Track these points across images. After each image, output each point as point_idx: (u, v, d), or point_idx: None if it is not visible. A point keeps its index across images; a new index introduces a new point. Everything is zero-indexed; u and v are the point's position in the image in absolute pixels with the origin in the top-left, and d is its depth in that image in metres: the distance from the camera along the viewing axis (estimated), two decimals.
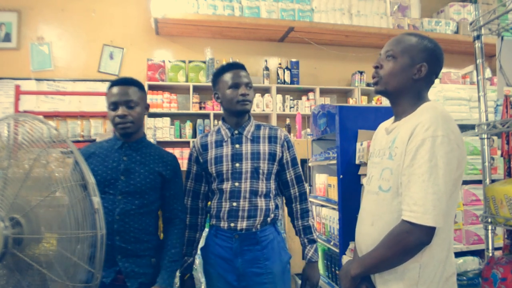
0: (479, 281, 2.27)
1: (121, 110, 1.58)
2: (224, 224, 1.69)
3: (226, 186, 1.69)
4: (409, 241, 1.13)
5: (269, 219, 1.71)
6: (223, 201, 1.70)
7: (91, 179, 1.29)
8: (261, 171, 1.70)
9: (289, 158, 1.78)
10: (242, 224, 1.66)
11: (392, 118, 1.38)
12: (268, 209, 1.71)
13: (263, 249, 1.67)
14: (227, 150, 1.72)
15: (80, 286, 1.25)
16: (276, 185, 1.80)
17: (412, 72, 1.25)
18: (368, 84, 4.76)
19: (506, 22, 1.88)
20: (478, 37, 1.88)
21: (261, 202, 1.69)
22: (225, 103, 1.73)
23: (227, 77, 1.71)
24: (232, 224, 1.67)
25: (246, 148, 1.72)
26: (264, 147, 1.73)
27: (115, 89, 1.60)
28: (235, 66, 1.75)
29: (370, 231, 1.26)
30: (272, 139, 1.75)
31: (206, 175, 1.78)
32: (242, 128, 1.75)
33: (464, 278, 2.33)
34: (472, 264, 2.39)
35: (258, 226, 1.68)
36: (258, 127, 1.78)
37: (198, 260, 3.09)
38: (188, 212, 1.76)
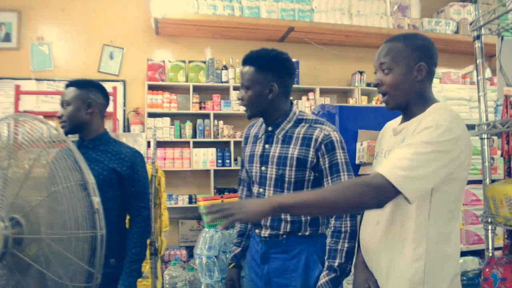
0: (479, 281, 2.27)
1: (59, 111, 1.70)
2: (254, 228, 1.60)
3: (254, 190, 1.57)
4: (372, 192, 1.07)
5: (300, 233, 1.49)
6: None
7: (91, 179, 1.29)
8: (286, 179, 1.46)
9: (327, 164, 1.45)
10: (265, 233, 1.53)
11: (399, 118, 1.37)
12: (298, 221, 1.47)
13: (291, 259, 1.49)
14: (258, 149, 1.56)
15: (80, 286, 1.25)
16: None
17: (413, 75, 1.23)
18: (368, 84, 4.75)
19: (506, 22, 1.88)
20: (478, 37, 1.88)
21: (285, 214, 1.46)
22: None
23: None
24: (257, 231, 1.56)
25: (274, 150, 1.50)
26: (293, 151, 1.46)
27: None
28: (243, 61, 1.53)
29: (376, 229, 1.26)
30: (306, 141, 1.46)
31: None
32: (276, 126, 1.52)
33: (464, 278, 2.33)
34: (472, 264, 2.39)
35: (285, 236, 1.49)
36: (297, 123, 1.51)
37: (197, 260, 3.09)
38: None
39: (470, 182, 2.51)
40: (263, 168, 1.52)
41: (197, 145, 4.29)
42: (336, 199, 1.09)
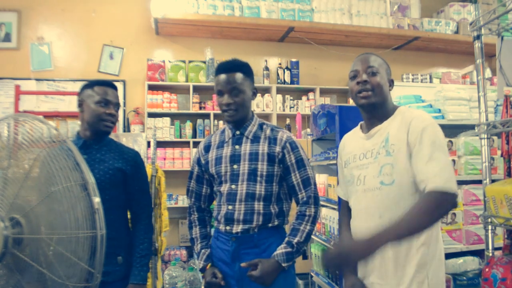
0: (479, 281, 2.27)
1: (111, 109, 1.69)
2: (222, 227, 1.64)
3: (224, 188, 1.64)
4: (445, 206, 1.25)
5: (270, 224, 1.61)
6: (221, 204, 1.66)
7: (91, 179, 1.29)
8: (259, 173, 1.60)
9: (293, 160, 1.63)
10: (237, 228, 1.60)
11: (357, 129, 1.56)
12: (268, 213, 1.61)
13: (262, 252, 1.59)
14: (226, 151, 1.67)
15: (80, 286, 1.25)
16: (283, 189, 1.67)
17: (388, 84, 1.46)
18: None
19: (506, 22, 1.88)
20: (478, 37, 1.88)
21: (258, 206, 1.60)
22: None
23: (216, 81, 1.64)
24: (228, 227, 1.62)
25: (245, 148, 1.64)
26: (263, 147, 1.63)
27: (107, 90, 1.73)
28: (224, 69, 1.63)
29: (379, 223, 1.32)
30: (272, 140, 1.64)
31: (209, 177, 1.74)
32: (244, 129, 1.67)
33: (464, 278, 2.34)
34: (472, 264, 2.39)
35: (256, 229, 1.60)
36: (260, 126, 1.69)
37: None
38: (195, 210, 1.77)
39: (470, 182, 2.51)
40: (235, 166, 1.63)
41: (197, 145, 4.27)
42: (421, 224, 1.24)
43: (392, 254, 1.33)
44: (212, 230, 1.78)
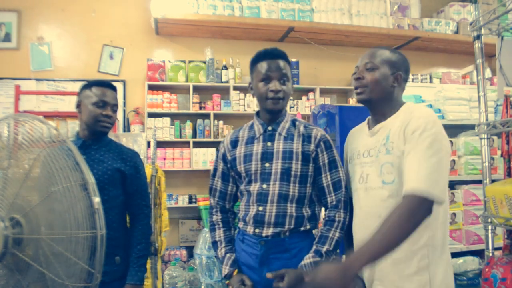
0: (479, 281, 2.27)
1: (108, 110, 1.68)
2: (250, 229, 1.52)
3: (254, 188, 1.52)
4: (419, 215, 1.18)
5: (302, 228, 1.51)
6: (250, 204, 1.53)
7: (91, 179, 1.29)
8: (292, 172, 1.50)
9: (326, 160, 1.53)
10: (267, 231, 1.49)
11: (364, 124, 1.53)
12: (301, 216, 1.51)
13: (293, 257, 1.48)
14: (257, 147, 1.55)
15: (80, 286, 1.25)
16: (316, 191, 1.57)
17: (391, 80, 1.40)
18: None
19: (506, 22, 1.88)
20: (478, 37, 1.88)
21: (291, 208, 1.49)
22: (257, 97, 1.56)
23: (261, 67, 1.52)
24: (257, 230, 1.50)
25: (278, 146, 1.53)
26: (297, 145, 1.52)
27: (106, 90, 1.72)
28: (271, 55, 1.53)
29: (378, 222, 1.28)
30: (306, 138, 1.53)
31: (235, 175, 1.61)
32: (276, 124, 1.56)
33: (464, 278, 2.34)
34: (472, 264, 2.39)
35: (287, 233, 1.49)
36: (293, 123, 1.59)
37: (197, 260, 3.08)
38: (218, 210, 1.64)
39: (470, 182, 2.52)
40: (266, 164, 1.52)
41: (197, 145, 4.29)
42: (396, 237, 1.18)
43: (391, 254, 1.28)
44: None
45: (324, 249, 1.46)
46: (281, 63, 1.53)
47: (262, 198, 1.50)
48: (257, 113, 1.63)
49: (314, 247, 1.48)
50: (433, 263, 1.28)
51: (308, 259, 1.46)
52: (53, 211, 1.28)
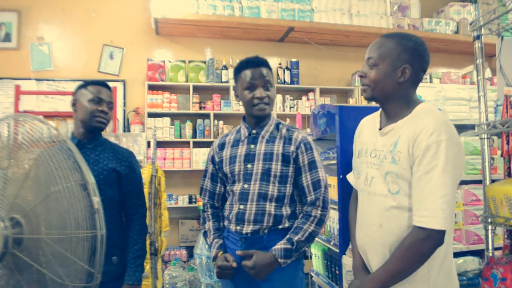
0: (479, 281, 2.27)
1: (104, 107, 1.68)
2: (232, 227, 1.62)
3: (237, 187, 1.62)
4: (426, 247, 1.17)
5: (280, 226, 1.58)
6: (233, 203, 1.63)
7: (91, 179, 1.29)
8: (272, 173, 1.57)
9: (306, 161, 1.59)
10: (247, 228, 1.58)
11: (377, 114, 1.42)
12: (280, 215, 1.57)
13: None
14: (241, 150, 1.64)
15: (79, 286, 1.25)
16: (298, 191, 1.64)
17: (396, 75, 1.27)
18: None
19: (506, 22, 1.88)
20: (478, 37, 1.88)
21: (270, 207, 1.57)
22: (243, 104, 1.65)
23: (245, 75, 1.60)
24: (238, 227, 1.60)
25: (260, 148, 1.62)
26: (278, 147, 1.60)
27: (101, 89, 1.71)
28: (254, 63, 1.62)
29: (379, 232, 1.28)
30: (287, 140, 1.61)
31: (222, 176, 1.71)
32: (261, 128, 1.65)
33: (464, 278, 2.33)
34: (472, 264, 2.39)
35: (266, 231, 1.57)
36: (277, 126, 1.67)
37: (197, 260, 3.09)
38: (208, 207, 1.74)
39: (470, 182, 2.51)
40: (248, 165, 1.61)
41: (197, 145, 4.29)
42: (405, 268, 1.19)
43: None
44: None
45: (296, 238, 1.53)
46: (264, 70, 1.61)
47: (243, 197, 1.60)
48: (244, 118, 1.72)
49: (287, 235, 1.55)
50: (433, 277, 1.24)
51: (279, 245, 1.52)
52: (53, 211, 1.28)
